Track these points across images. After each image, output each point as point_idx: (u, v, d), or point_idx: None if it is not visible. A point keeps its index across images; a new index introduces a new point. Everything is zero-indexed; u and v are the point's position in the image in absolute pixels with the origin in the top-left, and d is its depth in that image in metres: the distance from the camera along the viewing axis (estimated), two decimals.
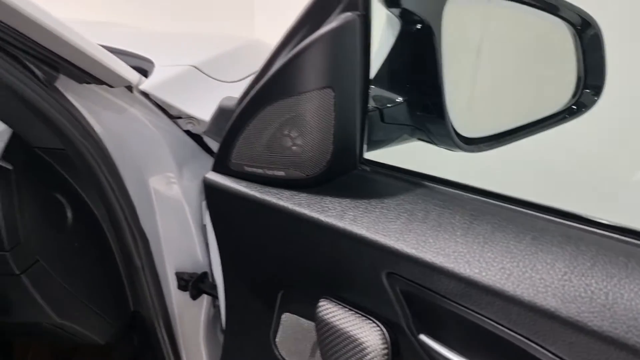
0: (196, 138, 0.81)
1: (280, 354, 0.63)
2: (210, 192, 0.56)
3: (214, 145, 0.81)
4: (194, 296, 0.82)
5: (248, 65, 0.99)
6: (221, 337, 0.91)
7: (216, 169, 0.56)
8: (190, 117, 0.74)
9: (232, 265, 0.63)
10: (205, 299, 0.86)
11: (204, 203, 0.80)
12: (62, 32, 0.53)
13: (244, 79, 0.92)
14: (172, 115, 0.75)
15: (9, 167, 0.64)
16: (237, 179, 0.54)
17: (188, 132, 0.79)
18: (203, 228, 0.81)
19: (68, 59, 0.57)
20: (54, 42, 0.54)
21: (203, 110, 0.73)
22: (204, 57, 0.87)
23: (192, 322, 0.86)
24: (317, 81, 0.44)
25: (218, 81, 0.85)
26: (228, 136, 0.52)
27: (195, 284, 0.81)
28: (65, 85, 0.61)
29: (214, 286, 0.80)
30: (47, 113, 0.59)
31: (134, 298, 0.82)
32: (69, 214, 0.72)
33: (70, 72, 0.58)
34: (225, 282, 0.67)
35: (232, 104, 0.61)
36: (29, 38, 0.52)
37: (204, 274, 0.82)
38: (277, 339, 0.63)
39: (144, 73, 0.71)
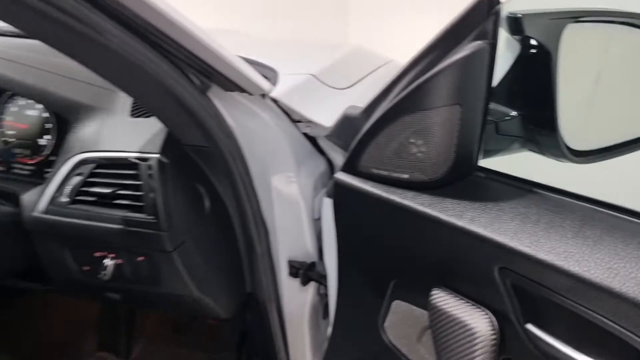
0: (311, 140, 0.90)
1: (387, 338, 0.70)
2: (339, 189, 0.64)
3: (328, 148, 0.89)
4: (304, 283, 0.91)
5: (355, 73, 1.08)
6: (322, 323, 0.99)
7: (345, 169, 0.64)
8: (309, 121, 0.83)
9: (348, 255, 0.72)
10: (311, 286, 0.95)
11: (316, 199, 0.89)
12: (215, 46, 0.64)
13: (351, 85, 1.01)
14: (294, 119, 0.85)
15: (166, 160, 0.76)
16: (363, 179, 0.62)
17: (305, 135, 0.88)
18: (315, 222, 0.90)
19: (220, 70, 0.67)
20: (210, 55, 0.64)
21: (320, 115, 0.81)
22: (319, 66, 0.96)
23: (298, 306, 0.95)
24: (448, 99, 0.52)
25: (331, 88, 0.94)
26: (360, 143, 0.60)
27: (305, 272, 0.90)
28: (214, 93, 0.72)
29: (322, 275, 0.88)
30: (199, 116, 0.69)
31: (251, 281, 0.92)
32: (207, 204, 0.83)
33: (220, 81, 0.69)
34: (340, 271, 0.75)
35: (356, 112, 0.69)
36: (190, 51, 0.63)
37: (313, 264, 0.90)
38: (385, 324, 0.70)
39: (269, 81, 0.81)
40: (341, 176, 0.64)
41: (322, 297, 0.96)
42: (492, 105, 0.59)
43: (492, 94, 0.54)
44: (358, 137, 0.61)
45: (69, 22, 0.49)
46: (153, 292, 0.84)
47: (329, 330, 0.86)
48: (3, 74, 0.81)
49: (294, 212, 0.87)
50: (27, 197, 0.81)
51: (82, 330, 1.52)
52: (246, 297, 0.96)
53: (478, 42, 0.49)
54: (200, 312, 0.90)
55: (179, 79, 0.64)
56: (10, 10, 0.50)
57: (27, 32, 0.57)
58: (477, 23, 0.49)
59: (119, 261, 0.81)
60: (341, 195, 0.65)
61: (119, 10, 0.51)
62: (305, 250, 0.90)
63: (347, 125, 0.70)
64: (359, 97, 0.85)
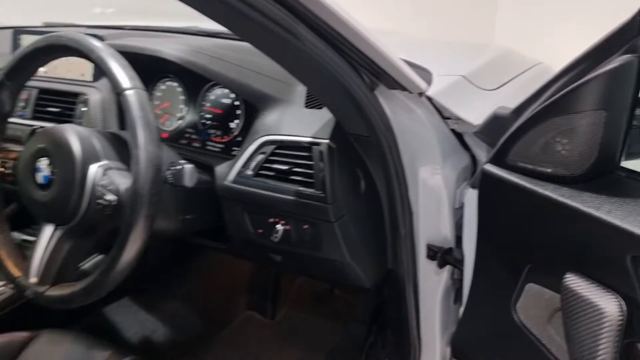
0: (457, 136, 0.99)
1: (518, 318, 0.78)
2: (486, 179, 0.73)
3: (473, 144, 0.98)
4: (440, 265, 1.00)
5: (502, 75, 1.14)
6: (452, 306, 1.08)
7: (493, 162, 0.73)
8: (458, 119, 0.92)
9: (487, 241, 0.80)
10: (446, 270, 1.04)
11: (458, 190, 0.98)
12: (385, 50, 0.75)
13: (499, 87, 1.08)
14: (444, 116, 0.94)
15: (333, 146, 0.91)
16: (509, 171, 0.71)
17: (452, 131, 0.97)
18: (455, 211, 0.99)
19: (387, 71, 0.79)
20: (380, 58, 0.76)
21: (468, 113, 0.90)
22: (469, 68, 1.05)
23: (433, 287, 1.04)
24: (595, 104, 0.59)
25: (480, 89, 1.02)
26: (509, 138, 0.69)
27: (442, 255, 0.99)
28: (379, 90, 0.85)
29: (457, 260, 0.97)
30: (366, 110, 0.82)
31: (393, 258, 1.04)
32: (362, 185, 0.97)
33: (387, 80, 0.81)
34: (477, 255, 0.84)
35: (506, 112, 0.78)
36: (364, 54, 0.75)
37: (450, 249, 1.00)
38: (517, 305, 0.78)
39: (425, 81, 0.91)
40: (489, 167, 0.73)
41: (455, 281, 1.05)
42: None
43: (638, 102, 0.60)
44: (507, 134, 0.70)
45: (275, 30, 0.64)
46: (311, 256, 0.99)
47: (461, 310, 0.95)
48: (211, 68, 1.01)
49: (436, 201, 0.97)
50: (219, 169, 1.01)
51: (236, 291, 1.76)
52: (386, 273, 1.08)
53: (627, 56, 0.56)
54: (347, 279, 1.03)
55: (354, 77, 0.78)
56: (233, 19, 0.66)
57: (241, 36, 0.74)
58: (628, 38, 0.56)
59: (288, 227, 0.97)
60: (487, 185, 0.75)
61: (313, 19, 0.65)
62: (443, 235, 1.00)
63: (496, 123, 0.79)
64: (506, 98, 0.92)
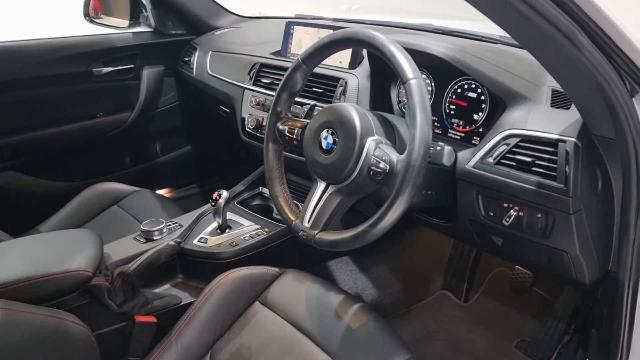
0: None
1: None
2: None
3: None
4: None
5: None
6: None
7: None
8: None
9: None
10: None
11: None
12: None
13: None
14: None
15: (579, 144, 0.98)
16: None
17: None
18: None
19: None
20: None
21: None
22: None
23: None
24: None
25: None
26: None
27: None
28: (637, 97, 0.90)
29: None
30: (620, 115, 0.87)
31: (616, 260, 1.07)
32: (600, 184, 1.02)
33: None
34: None
35: None
36: (631, 60, 0.81)
37: None
38: None
39: None
40: None
41: None
42: None
43: None
44: None
45: (556, 36, 0.73)
46: (537, 243, 1.08)
47: None
48: (473, 65, 1.13)
49: None
50: (461, 155, 1.15)
51: (435, 269, 1.90)
52: (605, 274, 1.12)
53: None
54: (567, 272, 1.10)
55: (617, 83, 0.84)
56: (519, 25, 0.77)
57: (519, 40, 0.85)
58: None
59: (521, 213, 1.07)
60: None
61: (590, 26, 0.73)
62: None
63: None
64: None
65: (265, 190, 1.77)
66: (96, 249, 1.24)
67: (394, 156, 0.98)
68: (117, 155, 2.27)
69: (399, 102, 1.39)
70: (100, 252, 1.25)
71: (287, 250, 1.53)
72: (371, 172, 1.01)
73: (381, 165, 0.98)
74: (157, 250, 1.33)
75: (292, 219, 1.15)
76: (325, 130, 1.09)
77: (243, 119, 1.73)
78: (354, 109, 1.07)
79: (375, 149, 1.01)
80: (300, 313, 1.20)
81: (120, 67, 2.10)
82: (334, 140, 1.07)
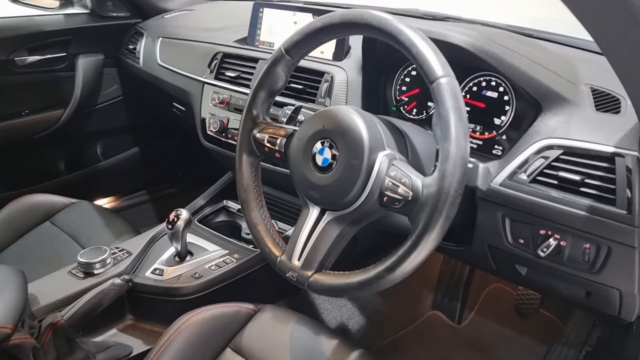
0: None
1: None
2: None
3: None
4: None
5: None
6: None
7: None
8: None
9: None
10: None
11: None
12: None
13: None
14: None
15: None
16: None
17: None
18: None
19: None
20: None
21: None
22: None
23: None
24: None
25: None
26: None
27: None
28: None
29: None
30: None
31: None
32: None
33: None
34: None
35: None
36: None
37: None
38: None
39: None
40: None
41: None
42: None
43: None
44: None
45: None
46: (579, 277, 0.89)
47: None
48: (504, 58, 0.91)
49: None
50: (483, 168, 0.93)
51: (422, 287, 1.70)
52: None
53: None
54: (610, 309, 0.91)
55: None
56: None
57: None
58: None
59: (563, 243, 0.87)
60: None
61: None
62: None
63: None
64: None
65: (231, 204, 1.51)
66: (17, 293, 0.98)
67: (417, 178, 0.75)
68: (49, 160, 1.99)
69: (397, 101, 1.16)
70: (24, 296, 0.98)
71: (261, 281, 1.28)
72: (385, 199, 0.77)
73: (400, 191, 0.75)
74: (99, 293, 1.04)
75: (277, 254, 0.91)
76: (321, 141, 0.84)
77: (203, 120, 1.45)
78: (358, 115, 0.82)
79: (389, 167, 0.78)
80: None
81: (49, 56, 1.82)
82: (333, 155, 0.82)
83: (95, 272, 1.16)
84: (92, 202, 1.63)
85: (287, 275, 0.88)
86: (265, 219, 0.96)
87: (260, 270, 1.26)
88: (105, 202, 2.15)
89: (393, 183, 0.76)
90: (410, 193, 0.74)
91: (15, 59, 1.72)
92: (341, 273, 0.82)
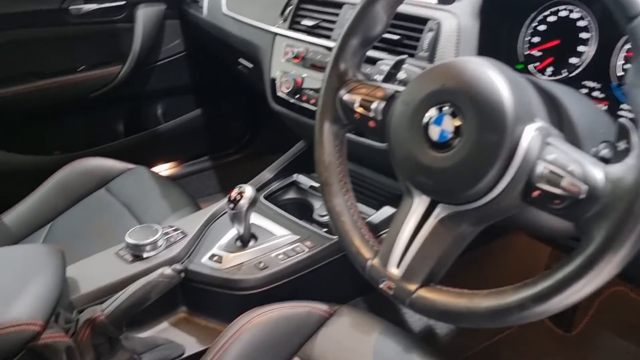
0: None
1: None
2: None
3: None
4: None
5: None
6: None
7: None
8: None
9: None
10: None
11: None
12: None
13: None
14: None
15: None
16: None
17: None
18: None
19: None
20: None
21: None
22: None
23: None
24: None
25: None
26: None
27: None
28: None
29: None
30: None
31: None
32: None
33: None
34: None
35: None
36: None
37: None
38: None
39: None
40: None
41: None
42: None
43: None
44: None
45: None
46: None
47: None
48: None
49: None
50: None
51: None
52: None
53: None
54: None
55: None
56: None
57: None
58: None
59: None
60: None
61: None
62: None
63: None
64: None
65: (303, 179, 1.30)
66: (53, 281, 0.84)
67: (595, 167, 0.50)
68: (105, 121, 1.90)
69: (526, 57, 0.90)
70: (59, 285, 0.84)
71: (337, 274, 1.08)
72: (536, 193, 0.53)
73: (564, 184, 0.51)
74: (145, 285, 0.87)
75: (367, 256, 0.70)
76: (437, 107, 0.60)
77: (273, 80, 1.25)
78: (497, 70, 0.58)
79: (544, 147, 0.53)
80: None
81: (107, 5, 1.70)
82: (456, 127, 0.58)
83: (145, 255, 1.00)
84: (149, 168, 1.53)
85: (381, 286, 0.66)
86: (351, 208, 0.74)
87: (335, 262, 1.06)
88: (163, 169, 2.06)
89: (552, 171, 0.52)
90: (584, 188, 0.50)
91: (70, 7, 1.62)
92: (461, 291, 0.60)
